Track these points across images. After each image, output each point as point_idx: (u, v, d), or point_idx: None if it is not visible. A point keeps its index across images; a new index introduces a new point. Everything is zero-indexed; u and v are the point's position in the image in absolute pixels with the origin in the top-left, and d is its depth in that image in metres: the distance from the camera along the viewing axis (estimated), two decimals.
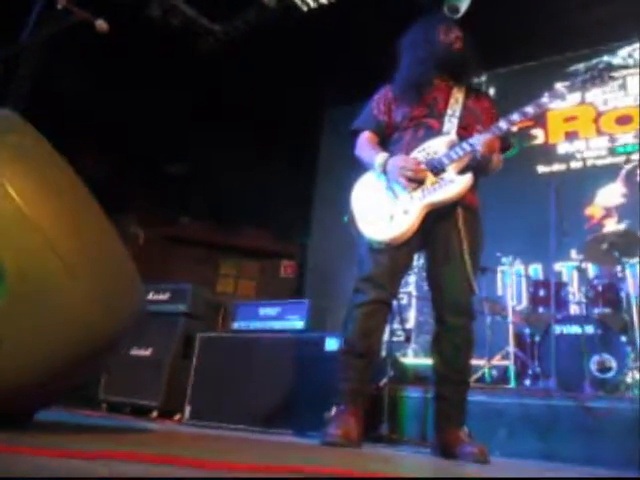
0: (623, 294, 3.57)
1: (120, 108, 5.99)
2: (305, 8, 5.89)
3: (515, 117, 2.00)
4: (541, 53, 5.67)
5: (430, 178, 2.01)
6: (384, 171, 2.07)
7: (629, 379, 3.31)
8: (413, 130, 2.12)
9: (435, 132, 2.09)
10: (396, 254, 2.01)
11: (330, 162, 6.55)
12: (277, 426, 2.96)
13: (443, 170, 2.01)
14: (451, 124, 2.09)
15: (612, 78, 2.08)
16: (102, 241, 1.03)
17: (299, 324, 3.37)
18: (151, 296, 3.91)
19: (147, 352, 3.74)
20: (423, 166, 2.03)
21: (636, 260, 3.71)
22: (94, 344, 1.02)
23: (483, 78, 6.00)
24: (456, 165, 2.01)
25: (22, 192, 0.89)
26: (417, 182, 2.00)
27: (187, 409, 3.36)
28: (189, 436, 2.07)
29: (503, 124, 2.00)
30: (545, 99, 2.00)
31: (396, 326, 5.27)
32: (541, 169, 5.41)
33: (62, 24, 1.98)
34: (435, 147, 2.05)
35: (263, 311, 3.58)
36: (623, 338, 3.34)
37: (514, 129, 5.32)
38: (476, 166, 2.05)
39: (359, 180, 2.19)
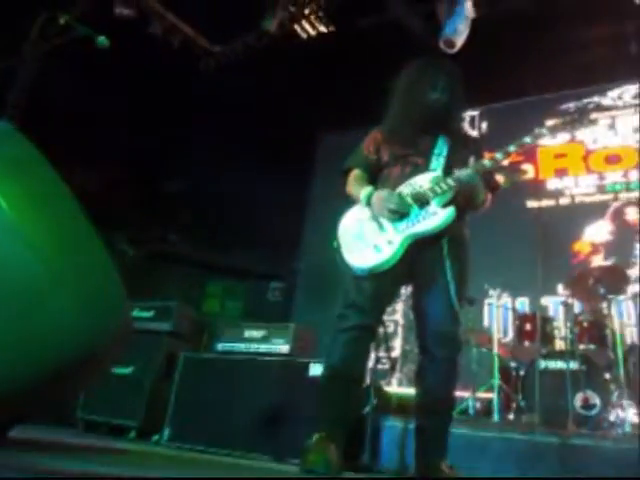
0: (608, 331, 3.58)
1: (114, 125, 6.01)
2: (304, 35, 5.99)
3: (498, 156, 2.06)
4: (534, 90, 5.80)
5: (415, 211, 2.05)
6: (369, 204, 2.11)
7: (612, 417, 3.30)
8: (401, 167, 2.18)
9: (422, 169, 2.14)
10: (380, 282, 2.03)
11: (322, 187, 6.60)
12: (257, 450, 2.91)
13: (427, 203, 2.05)
14: (438, 162, 2.14)
15: (592, 122, 2.16)
16: (89, 253, 1.02)
17: (284, 348, 3.35)
18: (136, 313, 3.87)
19: (128, 370, 3.68)
20: (409, 199, 2.07)
21: (622, 297, 3.74)
22: (78, 355, 1.00)
23: (476, 112, 6.12)
24: (440, 199, 2.05)
25: (9, 199, 0.89)
26: (400, 214, 2.04)
27: (166, 430, 3.29)
28: (164, 458, 2.02)
29: (487, 162, 2.07)
30: (527, 139, 2.06)
31: (381, 354, 5.25)
32: (530, 204, 5.47)
33: (63, 38, 1.99)
34: (421, 182, 2.10)
35: (248, 333, 3.55)
36: (607, 375, 3.34)
37: (504, 164, 5.39)
38: (462, 200, 2.09)
39: (347, 212, 2.23)
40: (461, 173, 2.04)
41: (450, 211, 2.02)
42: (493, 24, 5.25)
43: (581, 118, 2.12)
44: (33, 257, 0.88)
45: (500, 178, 6.22)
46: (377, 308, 2.08)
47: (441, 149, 2.17)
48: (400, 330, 5.48)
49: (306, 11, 5.93)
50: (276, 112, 6.21)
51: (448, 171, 2.11)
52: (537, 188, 5.52)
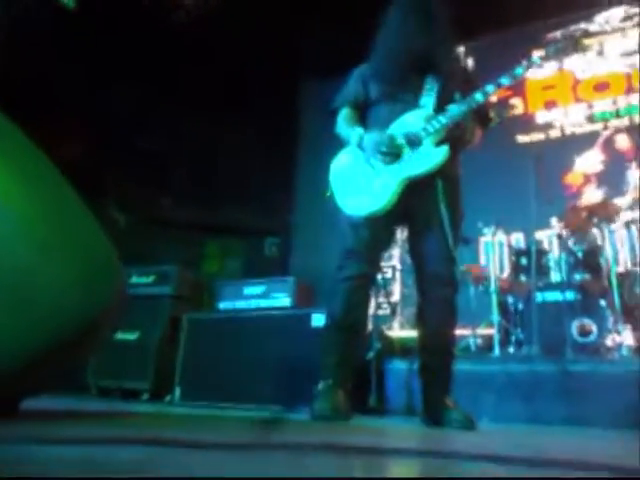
0: (603, 260, 3.63)
1: (91, 87, 5.84)
2: None
3: (489, 88, 2.01)
4: (518, 21, 5.63)
5: (407, 151, 2.02)
6: (360, 147, 2.08)
7: (609, 342, 3.40)
8: (390, 105, 2.12)
9: (412, 106, 2.09)
10: (377, 228, 2.03)
11: (312, 136, 6.50)
12: (268, 402, 2.99)
13: (420, 143, 2.01)
14: (428, 98, 2.09)
15: (584, 48, 2.11)
16: (79, 225, 1.01)
17: (285, 301, 3.39)
18: (135, 279, 3.88)
19: (134, 336, 3.73)
20: (401, 139, 2.03)
21: (614, 226, 3.78)
22: (76, 328, 1.01)
23: (461, 49, 5.96)
24: (433, 138, 2.02)
25: None
26: (393, 156, 2.01)
27: (177, 390, 3.37)
28: (179, 417, 2.08)
29: (479, 96, 2.01)
30: (519, 69, 2.01)
31: (381, 299, 5.32)
32: (521, 139, 5.43)
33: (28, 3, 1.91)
34: (412, 120, 2.06)
35: (248, 290, 3.59)
36: (603, 302, 3.41)
37: (493, 99, 5.29)
38: (454, 138, 2.05)
39: (337, 155, 2.19)
40: (452, 109, 2.00)
41: (444, 150, 1.99)
42: None
43: (573, 44, 2.07)
44: (23, 236, 0.87)
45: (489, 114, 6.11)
46: (375, 255, 2.08)
47: (432, 85, 2.11)
48: (398, 275, 5.53)
49: None
50: (256, 61, 6.04)
51: (439, 108, 2.06)
52: (527, 122, 5.46)
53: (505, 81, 2.01)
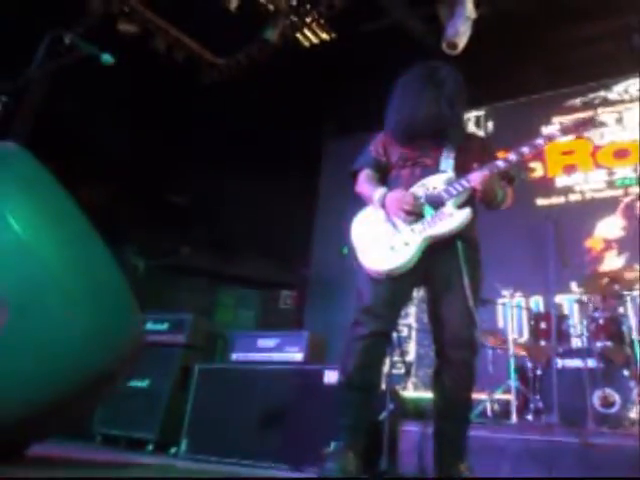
0: (625, 328, 3.54)
1: (123, 138, 6.07)
2: (307, 43, 6.02)
3: (512, 157, 2.05)
4: (539, 87, 5.78)
5: (429, 212, 2.04)
6: (383, 205, 2.11)
7: (633, 414, 3.26)
8: (410, 169, 2.17)
9: (432, 170, 2.13)
10: (395, 285, 2.02)
11: (330, 193, 6.60)
12: (276, 460, 2.90)
13: (442, 204, 2.04)
14: (447, 163, 2.13)
15: (602, 124, 2.17)
16: (102, 272, 1.03)
17: (298, 356, 3.34)
18: (150, 326, 3.88)
19: (144, 383, 3.70)
20: (423, 200, 2.06)
21: (636, 293, 3.70)
22: (92, 379, 1.01)
23: (482, 112, 6.10)
24: (455, 200, 2.05)
25: (23, 223, 0.89)
26: (415, 215, 2.04)
27: (184, 442, 3.29)
28: (184, 470, 2.02)
29: (500, 163, 2.05)
30: (540, 141, 2.06)
31: (396, 358, 5.22)
32: (540, 202, 5.44)
33: (69, 58, 2.02)
34: (434, 183, 2.10)
35: (262, 342, 3.56)
36: (626, 372, 3.30)
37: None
38: (477, 202, 2.10)
39: (359, 213, 2.22)
40: (474, 174, 2.04)
41: (467, 212, 2.02)
42: (495, 23, 5.25)
43: (592, 120, 2.13)
44: (51, 284, 0.88)
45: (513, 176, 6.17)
46: (393, 313, 2.06)
47: (449, 151, 2.16)
48: (414, 334, 5.45)
49: (308, 19, 5.95)
50: (281, 121, 6.24)
51: (459, 171, 2.11)
52: (546, 186, 5.48)
53: (526, 151, 2.05)
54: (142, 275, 7.13)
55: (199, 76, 6.15)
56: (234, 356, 3.62)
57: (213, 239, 7.92)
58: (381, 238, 2.07)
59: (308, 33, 6.03)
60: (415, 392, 5.08)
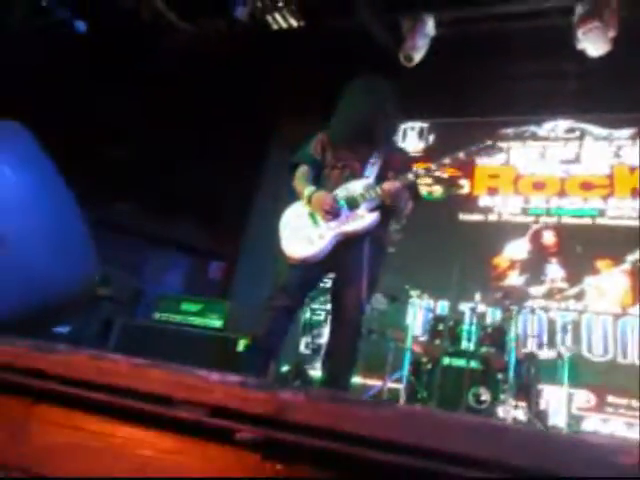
0: (507, 338, 4.05)
1: (70, 88, 5.98)
2: (275, 27, 6.18)
3: (421, 171, 2.45)
4: (479, 112, 6.24)
5: (345, 212, 2.40)
6: (309, 202, 2.44)
7: (500, 413, 3.77)
8: (340, 171, 2.51)
9: (358, 174, 2.49)
10: (308, 271, 2.38)
11: (274, 177, 6.83)
12: None
13: (357, 207, 2.40)
14: (372, 169, 2.49)
15: (499, 149, 2.57)
16: (76, 230, 1.25)
17: (218, 323, 3.60)
18: None
19: (64, 330, 3.83)
20: (342, 202, 2.42)
21: (523, 310, 4.23)
22: (40, 309, 1.23)
23: (426, 125, 6.52)
24: (367, 205, 2.41)
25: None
26: (334, 215, 2.38)
27: None
28: None
29: (410, 176, 2.42)
30: (447, 160, 2.46)
31: (309, 339, 5.59)
32: (462, 217, 5.93)
33: (44, 20, 2.17)
34: (355, 187, 2.45)
35: (185, 306, 3.78)
36: (500, 376, 3.80)
37: (444, 176, 5.76)
38: (385, 207, 2.45)
39: (290, 206, 2.56)
40: (386, 184, 2.39)
41: (375, 216, 2.40)
42: (451, 46, 5.64)
43: (493, 148, 2.53)
44: (38, 235, 1.11)
45: (438, 189, 6.64)
46: (302, 294, 2.46)
47: (376, 158, 2.51)
48: (330, 318, 5.81)
49: (279, 3, 6.11)
50: (236, 96, 6.37)
51: (379, 179, 2.45)
52: (470, 203, 5.98)
53: (435, 168, 2.45)
54: None
55: (161, 39, 6.16)
56: (157, 315, 3.82)
57: (150, 198, 7.92)
58: (302, 230, 2.41)
59: (278, 17, 6.19)
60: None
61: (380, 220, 2.41)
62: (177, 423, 0.50)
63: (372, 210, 2.41)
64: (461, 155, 2.46)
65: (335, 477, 0.48)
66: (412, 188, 2.50)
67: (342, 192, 2.44)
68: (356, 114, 2.48)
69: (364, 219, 2.39)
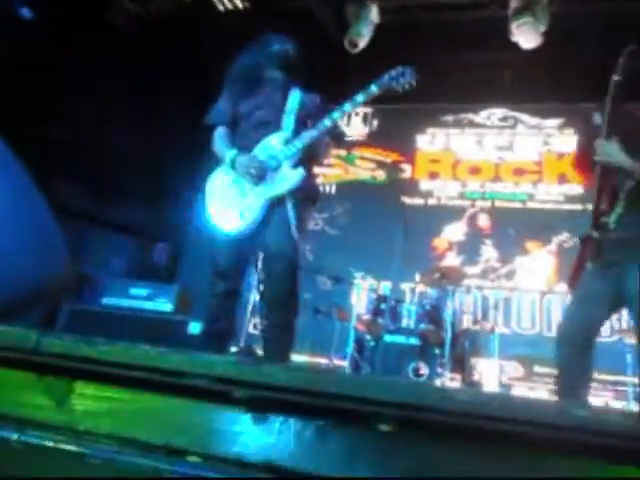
0: (445, 315, 4.33)
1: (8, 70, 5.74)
2: (221, 8, 6.13)
3: (336, 115, 2.34)
4: (420, 99, 6.44)
5: (269, 174, 2.34)
6: (233, 167, 2.38)
7: (438, 384, 4.05)
8: (255, 125, 2.43)
9: (274, 128, 2.40)
10: (242, 245, 2.34)
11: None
12: None
13: (280, 165, 2.34)
14: (289, 120, 2.43)
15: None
16: (43, 218, 1.30)
17: (167, 306, 3.65)
18: None
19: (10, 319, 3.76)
20: (264, 162, 2.34)
21: (459, 289, 4.52)
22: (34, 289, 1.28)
23: (369, 110, 6.68)
24: (289, 161, 2.35)
25: None
26: (259, 178, 2.33)
27: None
28: None
29: (327, 122, 2.33)
30: (360, 97, 2.36)
31: (257, 320, 5.70)
32: (404, 199, 6.17)
33: None
34: (273, 143, 2.38)
35: (134, 291, 3.80)
36: (437, 351, 4.07)
37: (386, 162, 5.95)
38: (306, 157, 2.40)
39: (213, 174, 2.48)
40: (305, 135, 2.33)
41: (300, 173, 2.33)
42: (394, 33, 5.79)
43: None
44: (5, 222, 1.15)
45: (381, 173, 6.83)
46: (239, 271, 2.39)
47: (292, 106, 2.45)
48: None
49: None
50: (176, 79, 6.30)
51: (297, 128, 2.39)
52: (412, 187, 6.22)
53: (347, 107, 2.35)
54: None
55: (107, 16, 5.99)
56: (105, 300, 3.82)
57: (91, 179, 7.73)
58: (230, 201, 2.35)
59: None
60: None
61: (304, 173, 2.33)
62: (189, 389, 0.68)
63: (295, 165, 2.34)
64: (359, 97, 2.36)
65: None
66: (331, 132, 2.45)
67: (263, 152, 2.35)
68: (265, 51, 2.47)
69: (289, 178, 2.32)
